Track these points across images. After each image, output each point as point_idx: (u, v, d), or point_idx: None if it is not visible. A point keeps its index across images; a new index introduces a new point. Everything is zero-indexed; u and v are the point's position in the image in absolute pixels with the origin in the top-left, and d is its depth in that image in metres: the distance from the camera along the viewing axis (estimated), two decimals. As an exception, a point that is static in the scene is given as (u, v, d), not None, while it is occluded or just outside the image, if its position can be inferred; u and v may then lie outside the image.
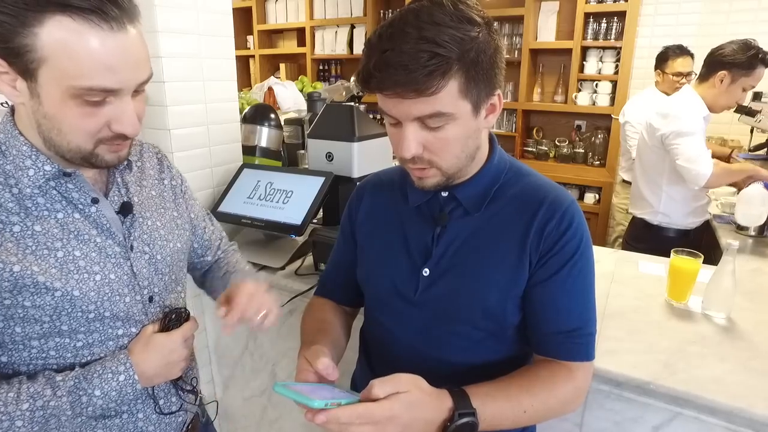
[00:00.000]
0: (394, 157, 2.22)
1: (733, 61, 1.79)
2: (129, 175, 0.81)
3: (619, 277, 1.42)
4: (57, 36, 0.57)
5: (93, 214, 0.73)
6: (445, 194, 0.80)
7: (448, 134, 0.69)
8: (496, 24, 0.69)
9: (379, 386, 0.63)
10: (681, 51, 2.55)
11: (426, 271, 0.80)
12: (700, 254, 1.23)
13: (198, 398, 0.93)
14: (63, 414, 0.67)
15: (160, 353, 0.76)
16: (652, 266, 1.50)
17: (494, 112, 0.73)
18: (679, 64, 2.54)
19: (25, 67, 0.59)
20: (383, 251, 0.86)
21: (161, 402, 0.83)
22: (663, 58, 2.60)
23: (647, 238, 2.08)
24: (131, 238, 0.77)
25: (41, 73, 0.59)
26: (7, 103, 1.38)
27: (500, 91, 0.73)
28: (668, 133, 1.87)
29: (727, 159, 2.36)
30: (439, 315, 0.80)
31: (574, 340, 0.76)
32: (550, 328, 0.77)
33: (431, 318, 0.81)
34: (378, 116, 4.09)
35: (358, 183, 1.55)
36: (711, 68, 1.84)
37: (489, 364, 0.81)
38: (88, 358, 0.73)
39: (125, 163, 0.78)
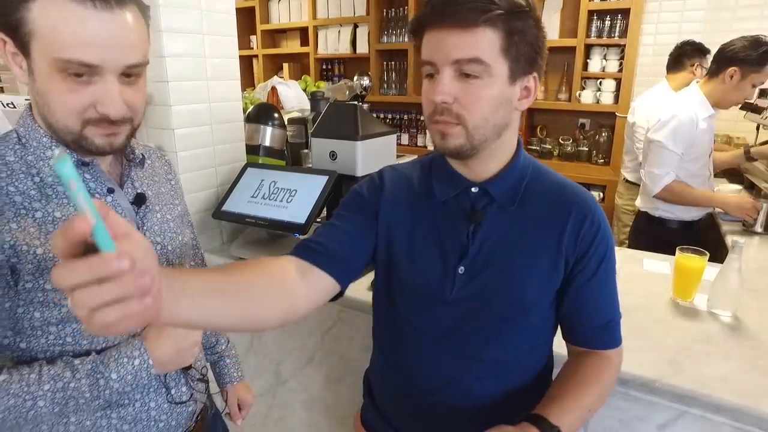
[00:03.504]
0: (397, 156, 2.21)
1: (744, 57, 1.78)
2: (141, 171, 0.84)
3: (624, 275, 1.41)
4: (45, 10, 0.61)
5: (109, 203, 0.75)
6: (475, 190, 0.80)
7: (480, 90, 0.70)
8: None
9: None
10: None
11: (461, 269, 0.79)
12: (706, 252, 1.22)
13: (207, 388, 0.94)
14: (81, 396, 0.70)
15: (173, 339, 0.77)
16: (656, 264, 1.49)
17: (528, 98, 0.75)
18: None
19: (22, 41, 0.63)
20: (414, 248, 0.82)
21: (173, 391, 0.84)
22: (704, 52, 2.55)
23: (649, 230, 2.11)
24: (144, 228, 0.81)
25: (33, 47, 0.63)
26: (12, 104, 1.39)
27: (536, 76, 0.75)
28: (652, 139, 1.92)
29: (747, 158, 2.25)
30: (472, 313, 0.79)
31: (609, 330, 0.82)
32: (590, 323, 0.82)
33: (463, 316, 0.80)
34: (381, 115, 4.09)
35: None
36: (721, 64, 1.83)
37: (514, 360, 0.82)
38: (103, 345, 0.74)
39: (138, 158, 0.82)
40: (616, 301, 0.83)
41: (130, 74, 0.68)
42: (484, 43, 0.68)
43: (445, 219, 0.81)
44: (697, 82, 1.95)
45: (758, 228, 1.88)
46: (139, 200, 0.80)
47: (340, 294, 0.83)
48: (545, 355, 0.88)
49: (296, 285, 0.74)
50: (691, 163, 1.92)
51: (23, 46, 0.63)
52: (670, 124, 1.86)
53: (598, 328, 0.82)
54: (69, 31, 0.61)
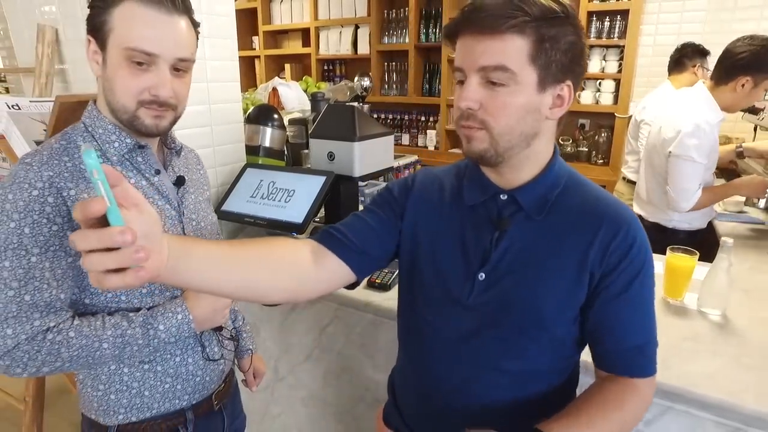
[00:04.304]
0: (396, 157, 2.23)
1: (758, 66, 1.69)
2: (178, 159, 0.99)
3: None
4: (123, 13, 0.79)
5: (156, 182, 0.91)
6: (504, 197, 0.79)
7: (506, 98, 0.70)
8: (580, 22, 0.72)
9: None
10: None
11: (482, 276, 0.78)
12: (696, 251, 1.24)
13: (236, 347, 1.11)
14: (135, 343, 0.83)
15: (208, 300, 0.91)
16: (650, 264, 1.51)
17: (561, 107, 0.73)
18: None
19: (103, 38, 0.81)
20: (438, 250, 0.83)
21: (207, 350, 0.98)
22: (705, 53, 2.53)
23: (659, 241, 1.96)
24: (183, 206, 0.95)
25: (110, 41, 0.80)
26: (17, 105, 1.42)
27: (571, 85, 0.73)
28: (678, 154, 1.82)
29: (738, 155, 2.24)
30: (490, 320, 0.78)
31: (641, 356, 0.76)
32: (618, 345, 0.76)
33: (481, 322, 0.79)
34: (382, 116, 4.11)
35: (360, 182, 1.58)
36: (731, 72, 1.73)
37: (532, 372, 0.80)
38: (150, 304, 0.88)
39: (177, 148, 0.98)
40: (651, 324, 0.77)
41: (179, 68, 0.84)
42: (511, 50, 0.67)
43: (471, 224, 0.81)
44: (703, 82, 1.87)
45: (761, 204, 1.90)
46: (179, 182, 0.96)
47: (357, 283, 0.87)
48: (568, 371, 0.84)
49: (308, 266, 0.78)
50: (707, 172, 1.86)
51: (103, 42, 0.81)
52: (695, 135, 1.76)
53: (624, 351, 0.76)
54: (138, 27, 0.79)
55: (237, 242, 0.75)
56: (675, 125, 1.82)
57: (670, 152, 1.83)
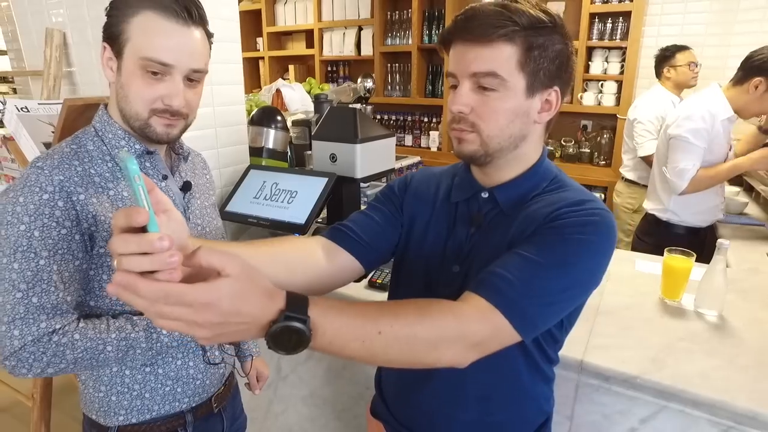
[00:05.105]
0: (398, 158, 2.24)
1: None
2: (185, 164, 1.01)
3: (615, 275, 1.45)
4: (141, 23, 0.81)
5: (163, 188, 0.92)
6: (485, 195, 0.82)
7: (496, 103, 0.73)
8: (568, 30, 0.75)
9: (207, 255, 0.51)
10: (681, 45, 2.59)
11: (456, 268, 0.82)
12: (693, 253, 1.25)
13: (236, 352, 1.13)
14: (139, 346, 0.85)
15: None
16: (648, 265, 1.53)
17: (549, 111, 0.77)
18: (690, 55, 2.56)
19: (119, 46, 0.82)
20: (425, 244, 0.87)
21: (208, 353, 0.99)
22: (669, 55, 2.59)
23: (656, 233, 2.08)
24: (189, 211, 0.97)
25: (126, 50, 0.82)
26: (26, 107, 1.45)
27: (559, 90, 0.76)
28: (674, 135, 1.88)
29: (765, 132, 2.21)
30: None
31: (495, 280, 0.68)
32: (487, 269, 0.71)
33: None
34: (385, 117, 4.13)
35: (362, 183, 1.60)
36: (747, 73, 1.78)
37: (503, 357, 0.76)
38: None
39: (185, 154, 1.00)
40: (526, 277, 0.67)
41: (192, 79, 0.86)
42: (501, 57, 0.71)
43: (454, 220, 0.84)
44: (720, 85, 1.90)
45: None
46: (186, 187, 0.97)
47: (365, 276, 0.89)
48: (541, 368, 0.84)
49: (321, 262, 0.82)
50: (708, 164, 1.88)
51: (119, 50, 0.83)
52: (691, 119, 1.83)
53: (486, 273, 0.70)
54: (156, 38, 0.81)
55: (252, 243, 0.78)
56: (677, 113, 1.92)
57: (669, 135, 1.91)
